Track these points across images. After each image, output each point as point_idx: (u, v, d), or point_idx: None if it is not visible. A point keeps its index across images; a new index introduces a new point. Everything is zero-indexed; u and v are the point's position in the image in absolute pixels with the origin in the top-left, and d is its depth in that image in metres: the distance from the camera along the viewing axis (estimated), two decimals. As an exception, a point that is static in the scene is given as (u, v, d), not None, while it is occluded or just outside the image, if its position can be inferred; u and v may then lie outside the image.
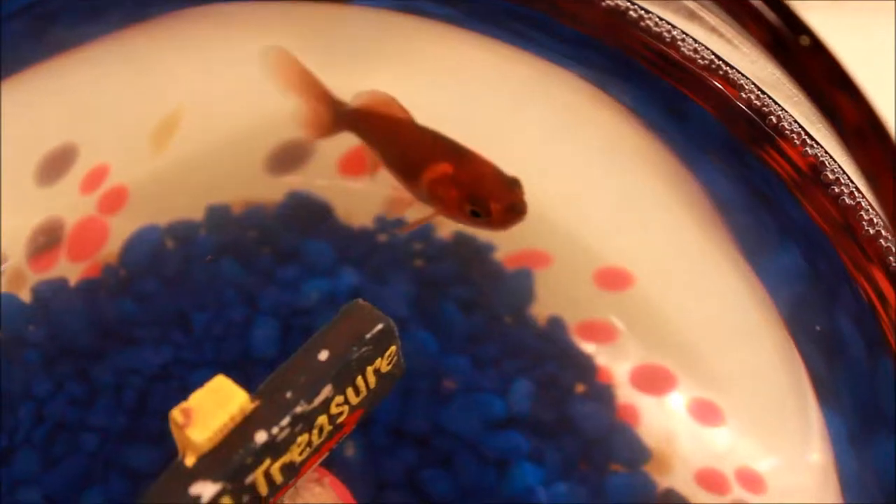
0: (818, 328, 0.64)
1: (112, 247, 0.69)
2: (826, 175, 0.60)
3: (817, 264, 0.64)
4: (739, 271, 0.67)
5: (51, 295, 0.66)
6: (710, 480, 0.66)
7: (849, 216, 0.60)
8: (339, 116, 0.63)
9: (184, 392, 0.61)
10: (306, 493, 0.55)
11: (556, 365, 0.68)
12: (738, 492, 0.65)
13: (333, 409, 0.45)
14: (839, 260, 0.61)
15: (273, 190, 0.73)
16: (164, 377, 0.63)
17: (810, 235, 0.63)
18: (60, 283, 0.67)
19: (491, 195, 0.57)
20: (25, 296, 0.67)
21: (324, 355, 0.44)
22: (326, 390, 0.44)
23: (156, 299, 0.68)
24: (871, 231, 0.58)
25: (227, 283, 0.68)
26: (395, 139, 0.61)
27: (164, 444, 0.61)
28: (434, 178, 0.57)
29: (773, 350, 0.66)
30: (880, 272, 0.59)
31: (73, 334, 0.65)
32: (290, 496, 0.53)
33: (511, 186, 0.58)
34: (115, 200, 0.70)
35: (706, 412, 0.68)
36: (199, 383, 0.59)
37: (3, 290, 0.66)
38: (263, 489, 0.43)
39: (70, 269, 0.68)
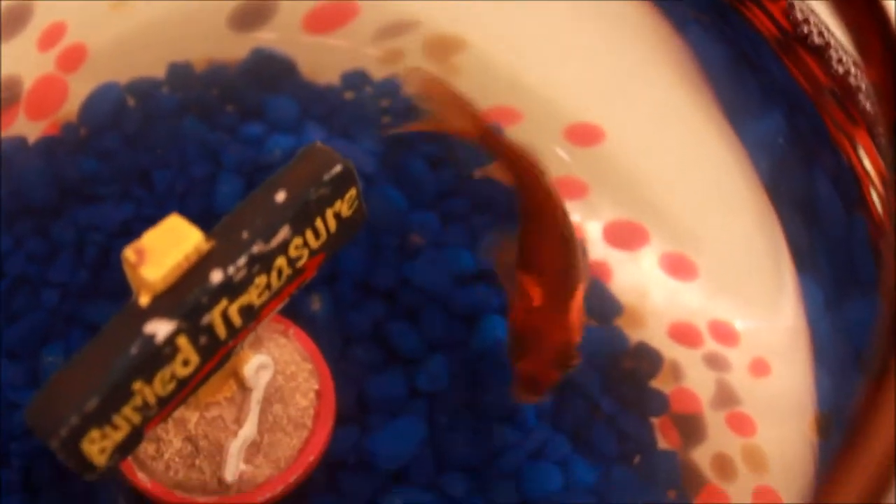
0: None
1: (71, 105, 0.69)
2: (810, 35, 0.59)
3: (798, 126, 0.64)
4: (721, 133, 0.67)
5: (10, 152, 0.66)
6: (683, 333, 0.67)
7: (831, 76, 0.60)
8: (484, 140, 0.63)
9: (147, 249, 0.62)
10: (270, 344, 0.55)
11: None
12: (710, 344, 0.66)
13: (292, 252, 0.45)
14: (821, 121, 0.61)
15: (236, 47, 0.72)
16: (125, 233, 0.63)
17: (792, 96, 0.63)
18: (19, 141, 0.67)
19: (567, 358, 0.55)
20: (-16, 154, 0.67)
21: (281, 196, 0.44)
22: (284, 231, 0.44)
23: (117, 157, 0.67)
24: (854, 88, 0.58)
25: (189, 141, 0.68)
26: (540, 219, 0.58)
27: (126, 300, 0.61)
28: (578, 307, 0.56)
29: (751, 212, 0.66)
30: (861, 132, 0.59)
31: (33, 191, 0.65)
32: (252, 345, 0.54)
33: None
34: (73, 58, 0.69)
35: (679, 267, 0.68)
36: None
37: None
38: (221, 332, 0.43)
39: (29, 128, 0.68)
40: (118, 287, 0.61)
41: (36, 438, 0.55)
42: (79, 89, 0.69)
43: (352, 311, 0.62)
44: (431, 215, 0.67)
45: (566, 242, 0.55)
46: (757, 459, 0.63)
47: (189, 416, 0.51)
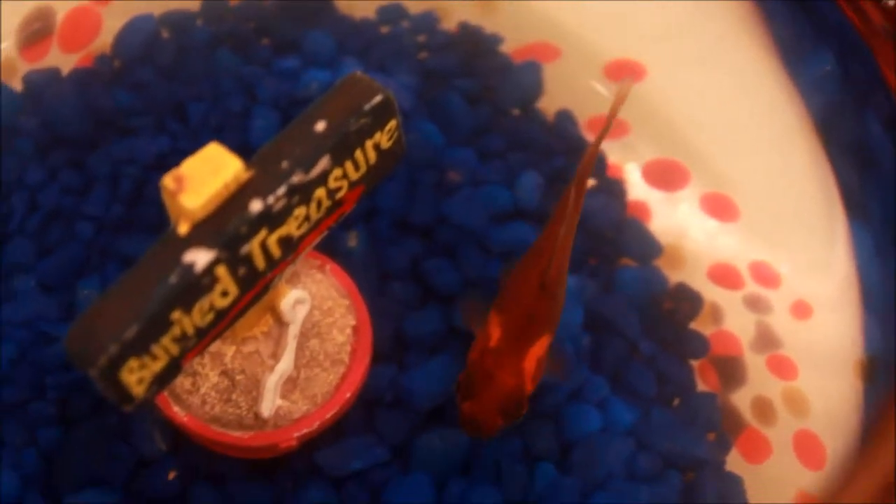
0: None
1: (105, 37, 0.68)
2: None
3: (851, 68, 0.63)
4: (770, 74, 0.66)
5: (43, 84, 0.66)
6: (723, 275, 0.66)
7: (885, 14, 0.59)
8: None
9: (182, 182, 0.61)
10: (307, 279, 0.55)
11: (565, 159, 0.67)
12: (751, 286, 0.65)
13: (332, 183, 0.44)
14: (873, 62, 0.60)
15: (272, -20, 0.72)
16: (160, 167, 0.62)
17: (846, 37, 0.61)
18: (53, 73, 0.67)
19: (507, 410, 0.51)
20: (17, 85, 0.66)
21: (321, 126, 0.43)
22: (324, 162, 0.43)
23: (151, 89, 0.67)
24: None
25: (224, 74, 0.68)
26: (528, 261, 0.55)
27: (162, 233, 0.61)
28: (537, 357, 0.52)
29: (799, 154, 0.65)
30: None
31: (67, 124, 0.64)
32: (289, 280, 0.53)
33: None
34: (107, -11, 0.69)
35: (720, 208, 0.68)
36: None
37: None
38: (260, 263, 0.43)
39: (63, 60, 0.67)
40: (153, 221, 0.61)
41: (72, 371, 0.55)
42: (112, 21, 0.68)
43: (389, 247, 0.62)
44: (468, 152, 0.66)
45: (544, 291, 0.53)
46: (798, 403, 0.62)
47: (226, 350, 0.51)
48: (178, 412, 0.51)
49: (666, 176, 0.69)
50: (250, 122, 0.65)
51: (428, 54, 0.71)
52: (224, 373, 0.51)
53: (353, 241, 0.61)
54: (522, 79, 0.70)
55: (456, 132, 0.67)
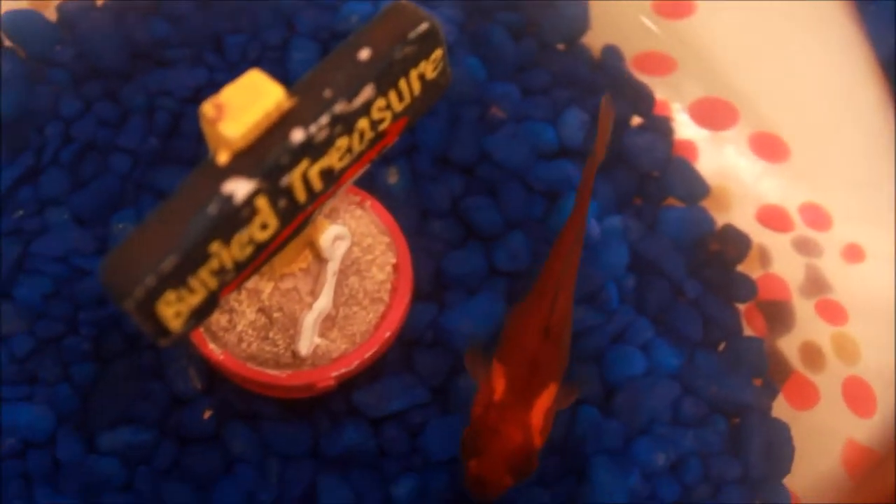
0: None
1: (143, -33, 0.67)
2: None
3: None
4: (830, 8, 0.64)
5: (78, 14, 0.64)
6: (772, 217, 0.65)
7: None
8: None
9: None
10: (346, 216, 0.54)
11: (612, 95, 0.66)
12: (801, 229, 0.64)
13: (375, 114, 0.43)
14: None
15: None
16: (197, 100, 0.62)
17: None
18: (88, 3, 0.65)
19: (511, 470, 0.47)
20: (51, 15, 0.65)
21: (364, 54, 0.42)
22: (368, 91, 0.42)
23: (188, 20, 0.65)
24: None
25: (263, 5, 0.66)
26: (529, 303, 0.52)
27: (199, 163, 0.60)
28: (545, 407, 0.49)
29: (859, 94, 0.63)
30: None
31: (102, 55, 0.63)
32: (329, 214, 0.52)
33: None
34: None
35: (770, 148, 0.66)
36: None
37: (28, 7, 0.65)
38: (301, 195, 0.42)
39: (97, -11, 0.66)
40: (189, 155, 0.60)
41: (106, 307, 0.55)
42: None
43: (429, 185, 0.60)
44: (512, 87, 0.65)
45: (548, 335, 0.50)
46: (848, 349, 0.61)
47: (263, 286, 0.50)
48: (214, 350, 0.50)
49: (713, 115, 0.68)
50: (289, 54, 0.64)
51: (471, -15, 0.69)
52: (261, 310, 0.50)
53: (393, 177, 0.60)
54: (568, 13, 0.68)
55: (499, 67, 0.66)
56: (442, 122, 0.62)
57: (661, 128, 0.66)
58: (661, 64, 0.69)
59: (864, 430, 0.58)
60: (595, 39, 0.69)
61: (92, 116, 0.62)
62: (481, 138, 0.62)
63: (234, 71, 0.63)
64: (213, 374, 0.54)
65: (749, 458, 0.56)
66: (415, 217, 0.59)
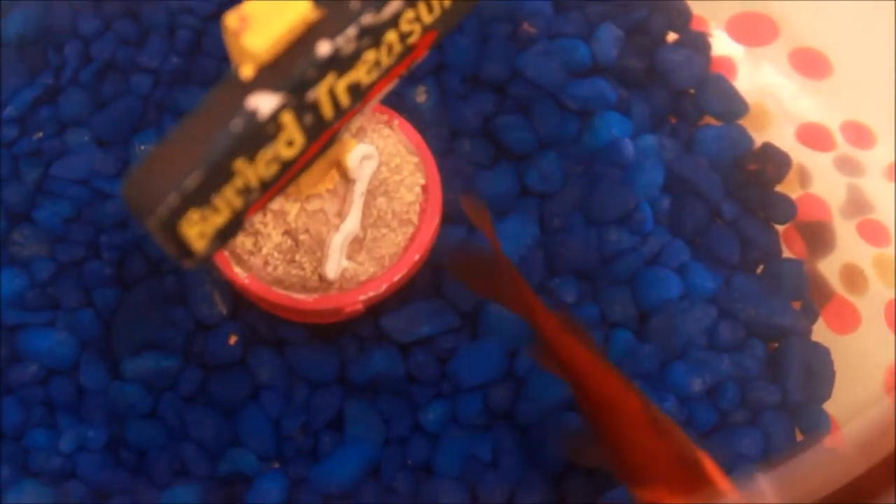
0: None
1: None
2: None
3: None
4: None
5: (93, -73, 0.63)
6: (812, 135, 0.63)
7: None
8: (533, 317, 0.50)
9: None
10: (374, 135, 0.53)
11: (647, 10, 0.64)
12: (843, 147, 0.62)
13: (404, 26, 0.42)
14: None
15: None
16: (220, 16, 0.60)
17: None
18: (103, -84, 0.64)
19: None
20: (68, -69, 0.64)
21: (393, -37, 0.40)
22: (396, 1, 0.40)
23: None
24: None
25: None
26: (619, 414, 0.45)
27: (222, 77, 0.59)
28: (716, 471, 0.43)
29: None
30: None
31: (121, -30, 0.62)
32: (356, 133, 0.51)
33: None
34: None
35: (811, 64, 0.64)
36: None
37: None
38: (328, 111, 0.41)
39: None
40: (212, 74, 0.59)
41: (129, 230, 0.54)
42: None
43: (459, 103, 0.59)
44: (544, 3, 0.63)
45: (656, 423, 0.44)
46: (890, 271, 0.60)
47: (289, 208, 0.49)
48: (239, 273, 0.50)
49: (752, 30, 0.66)
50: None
51: None
52: (287, 232, 0.49)
53: (421, 96, 0.59)
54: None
55: (530, -20, 0.64)
56: (471, 40, 0.61)
57: (697, 43, 0.65)
58: (698, -23, 0.67)
59: (908, 355, 0.58)
60: (630, -48, 0.68)
61: (112, 35, 0.61)
62: (512, 56, 0.61)
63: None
64: (238, 299, 0.53)
65: (787, 384, 0.56)
66: (444, 137, 0.58)
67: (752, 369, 0.56)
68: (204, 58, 0.60)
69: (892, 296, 0.59)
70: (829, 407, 0.57)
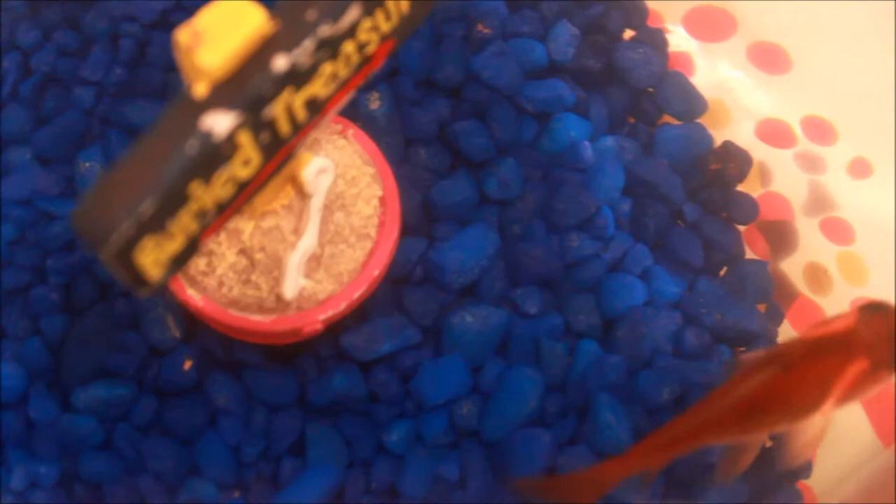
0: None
1: None
2: None
3: None
4: None
5: (28, -67, 0.61)
6: (773, 132, 0.63)
7: None
8: None
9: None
10: (328, 146, 0.51)
11: (603, 7, 0.63)
12: (804, 143, 0.62)
13: (362, 36, 0.40)
14: None
15: None
16: (164, 24, 0.59)
17: None
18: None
19: None
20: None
21: (349, -30, 0.39)
22: (354, 10, 0.39)
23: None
24: None
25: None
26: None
27: (167, 97, 0.57)
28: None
29: (868, 3, 0.61)
30: None
31: (58, -23, 0.60)
32: (310, 146, 0.50)
33: None
34: None
35: (770, 58, 0.64)
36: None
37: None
38: (284, 127, 0.39)
39: None
40: (157, 85, 0.57)
41: (75, 252, 0.52)
42: None
43: (414, 109, 0.58)
44: (499, 2, 0.62)
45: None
46: (856, 270, 0.59)
47: (243, 226, 0.48)
48: (192, 296, 0.48)
49: (709, 25, 0.66)
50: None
51: None
52: (242, 251, 0.48)
53: (375, 103, 0.57)
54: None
55: (483, -21, 0.63)
56: (424, 43, 0.60)
57: (654, 40, 0.64)
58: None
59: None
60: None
61: (52, 46, 0.59)
62: (467, 58, 0.59)
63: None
64: (193, 322, 0.51)
65: (757, 390, 0.55)
66: (399, 145, 0.57)
67: (720, 376, 0.55)
68: (149, 68, 0.58)
69: (858, 294, 0.59)
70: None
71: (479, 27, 0.61)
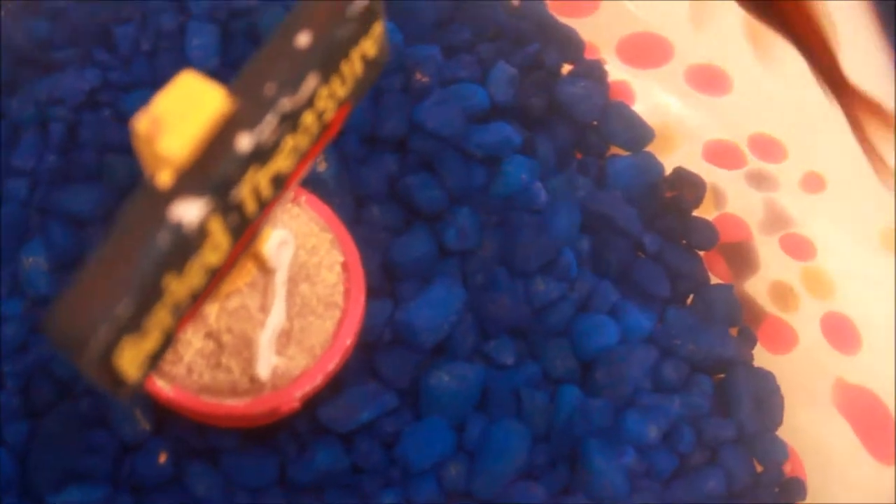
0: None
1: (3, -40, 0.62)
2: None
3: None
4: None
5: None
6: (721, 153, 0.63)
7: None
8: None
9: (119, 120, 0.56)
10: (284, 215, 0.50)
11: (538, 43, 0.63)
12: (754, 162, 0.62)
13: (320, 104, 0.39)
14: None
15: None
16: (93, 105, 0.57)
17: None
18: (-49, 9, 0.60)
19: None
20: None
21: (304, 39, 0.38)
22: (312, 80, 0.38)
23: (69, 15, 0.61)
24: None
25: (148, -12, 0.62)
26: None
27: (105, 180, 0.56)
28: None
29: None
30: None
31: (-21, 65, 0.59)
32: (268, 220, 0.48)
33: None
34: None
35: (709, 80, 0.64)
36: (135, 108, 0.53)
37: None
38: (251, 207, 0.38)
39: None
40: (93, 168, 0.56)
41: (30, 352, 0.50)
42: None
43: (361, 168, 0.57)
44: (433, 48, 0.61)
45: None
46: (821, 284, 0.60)
47: (208, 309, 0.46)
48: (162, 387, 0.46)
49: (644, 51, 0.66)
50: (187, 40, 0.59)
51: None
52: (209, 335, 0.47)
53: (321, 164, 0.56)
54: (478, -42, 0.65)
55: (416, 28, 0.62)
56: (365, 99, 0.58)
57: (594, 72, 0.64)
58: (582, 3, 0.66)
59: (852, 368, 0.57)
60: (509, -17, 0.66)
61: (-22, 136, 0.57)
62: (409, 109, 0.59)
63: (129, 67, 0.59)
64: (162, 411, 0.50)
65: (740, 416, 0.55)
66: (351, 206, 0.56)
67: (702, 406, 0.55)
68: (81, 151, 0.57)
69: (827, 309, 0.59)
70: (783, 433, 0.56)
71: (418, 76, 0.60)
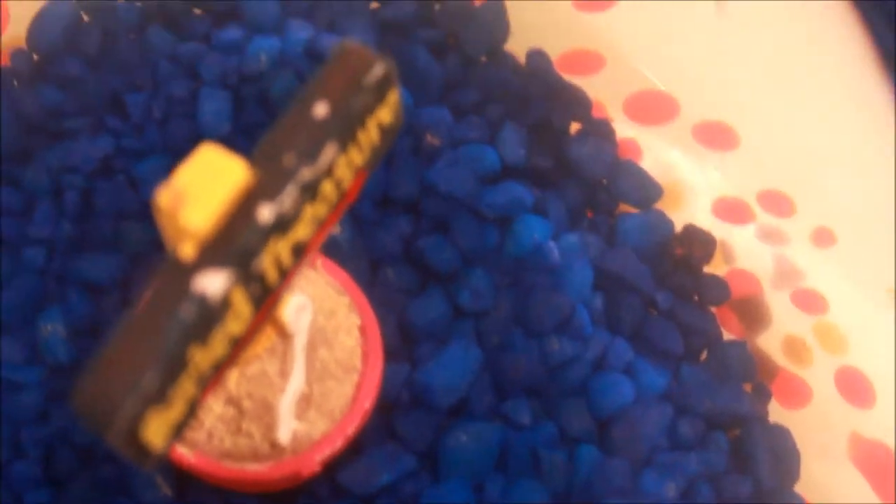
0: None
1: (16, 28, 0.63)
2: None
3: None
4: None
5: (-44, 93, 0.60)
6: (730, 209, 0.63)
7: None
8: None
9: (132, 187, 0.56)
10: (302, 281, 0.50)
11: (545, 104, 0.64)
12: (763, 217, 0.63)
13: (338, 173, 0.40)
14: None
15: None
16: (106, 172, 0.58)
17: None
18: (-37, 80, 0.61)
19: None
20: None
21: (321, 109, 0.38)
22: (330, 150, 0.39)
23: (81, 83, 0.61)
24: None
25: (160, 56, 0.62)
26: None
27: (121, 247, 0.56)
28: None
29: (804, 71, 0.62)
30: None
31: (-7, 136, 0.59)
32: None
33: None
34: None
35: (717, 136, 0.65)
36: (148, 175, 0.54)
37: None
38: (273, 276, 0.38)
39: (-29, 64, 0.62)
40: (109, 235, 0.56)
41: (49, 422, 0.51)
42: (21, 9, 0.63)
43: (375, 230, 0.57)
44: (443, 111, 0.62)
45: None
46: (833, 338, 0.60)
47: (228, 376, 0.46)
48: (184, 453, 0.47)
49: (651, 109, 0.66)
50: (199, 106, 0.60)
51: (380, 4, 0.66)
52: (229, 401, 0.47)
53: (335, 229, 0.57)
54: (486, 20, 0.66)
55: (425, 90, 0.63)
56: (377, 162, 0.59)
57: (602, 131, 0.64)
58: (590, 60, 0.67)
59: (867, 422, 0.57)
60: (518, 44, 0.67)
61: (-5, 208, 0.57)
62: (421, 171, 0.59)
63: (141, 133, 0.59)
64: (183, 477, 0.50)
65: (758, 473, 0.55)
66: (365, 269, 0.56)
67: (719, 464, 0.55)
68: (97, 219, 0.57)
69: (841, 363, 0.59)
70: (800, 487, 0.56)
71: (429, 138, 0.60)
